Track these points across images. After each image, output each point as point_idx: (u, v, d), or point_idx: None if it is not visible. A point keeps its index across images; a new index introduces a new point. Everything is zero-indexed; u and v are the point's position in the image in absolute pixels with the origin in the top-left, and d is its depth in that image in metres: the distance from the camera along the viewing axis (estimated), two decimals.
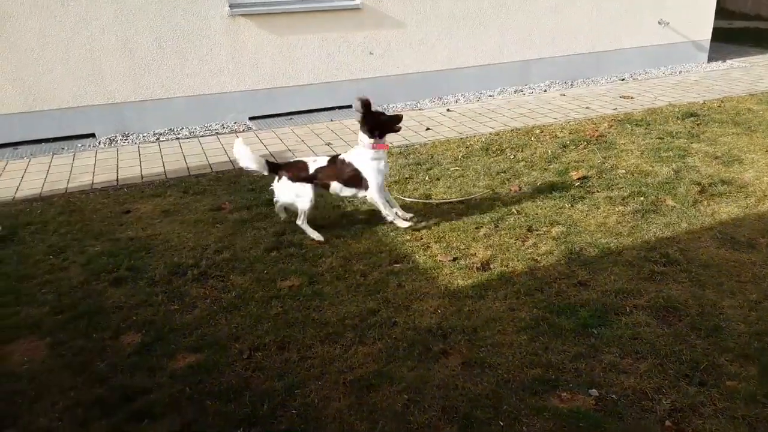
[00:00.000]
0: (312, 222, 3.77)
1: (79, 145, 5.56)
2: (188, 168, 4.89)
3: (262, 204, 4.09)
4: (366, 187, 3.61)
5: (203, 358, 2.55)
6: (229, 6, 5.80)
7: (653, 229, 3.55)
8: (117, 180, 4.67)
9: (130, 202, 4.21)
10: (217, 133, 5.88)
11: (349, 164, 3.59)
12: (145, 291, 3.07)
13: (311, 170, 3.60)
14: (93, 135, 5.73)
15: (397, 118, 3.62)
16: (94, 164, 5.04)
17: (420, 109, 6.57)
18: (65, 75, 5.46)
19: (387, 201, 3.74)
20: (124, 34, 5.53)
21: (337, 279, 3.15)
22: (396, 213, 3.76)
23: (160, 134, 5.83)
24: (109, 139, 5.69)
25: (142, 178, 4.70)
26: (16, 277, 3.25)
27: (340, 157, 3.65)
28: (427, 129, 5.79)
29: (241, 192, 4.34)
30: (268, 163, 3.61)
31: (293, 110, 6.43)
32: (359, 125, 3.56)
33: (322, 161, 3.63)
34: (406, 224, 3.71)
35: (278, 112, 6.37)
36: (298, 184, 3.59)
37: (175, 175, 4.72)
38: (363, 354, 2.55)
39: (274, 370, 2.47)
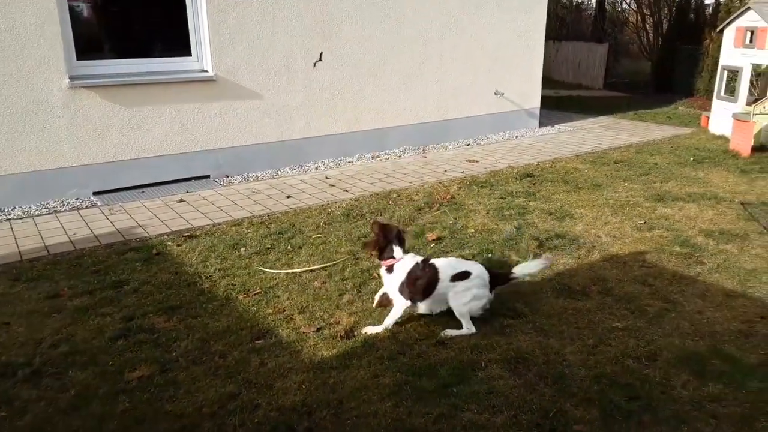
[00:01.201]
0: (164, 303, 3.57)
1: None
2: (20, 252, 4.42)
3: (108, 287, 3.79)
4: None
5: None
6: (69, 78, 5.49)
7: None
8: None
9: None
10: (55, 211, 5.42)
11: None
12: None
13: None
14: None
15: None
16: None
17: (279, 177, 6.59)
18: None
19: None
20: None
21: (194, 363, 2.97)
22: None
23: None
24: None
25: None
26: None
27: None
28: (288, 197, 5.80)
29: (83, 275, 3.99)
30: None
31: (145, 183, 6.14)
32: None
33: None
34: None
35: (127, 185, 6.04)
36: None
37: (4, 261, 4.25)
38: None
39: None
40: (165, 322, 3.37)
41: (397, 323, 3.29)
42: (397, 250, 3.32)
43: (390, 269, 3.31)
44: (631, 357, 2.97)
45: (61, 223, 5.05)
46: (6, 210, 5.37)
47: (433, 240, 4.54)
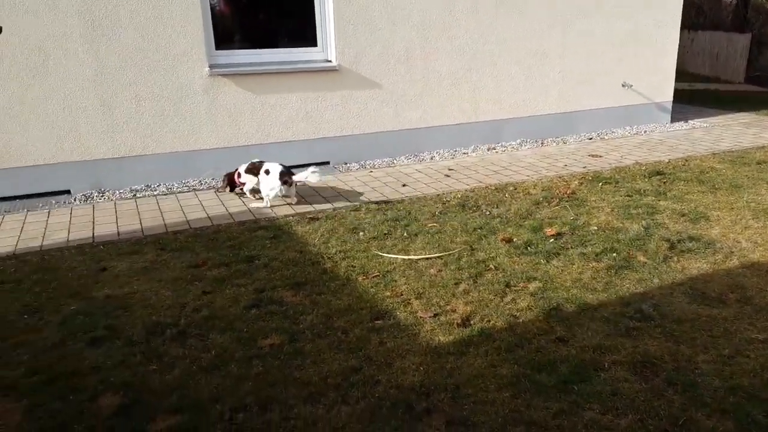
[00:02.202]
0: (291, 279, 3.80)
1: (54, 201, 5.51)
2: (165, 225, 4.88)
3: (241, 260, 4.09)
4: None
5: (184, 420, 2.49)
6: (209, 66, 5.94)
7: (627, 285, 3.65)
8: (93, 237, 4.63)
9: (107, 260, 4.17)
10: (194, 189, 5.91)
11: None
12: (123, 351, 3.01)
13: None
14: (68, 191, 5.69)
15: None
16: (70, 221, 4.99)
17: (395, 166, 6.72)
18: (41, 132, 5.47)
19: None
20: (104, 93, 5.60)
21: (319, 336, 3.14)
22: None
23: (137, 190, 5.83)
24: (85, 195, 5.66)
25: (118, 235, 4.67)
26: None
27: None
28: (404, 185, 5.91)
29: (219, 249, 4.33)
30: None
31: None
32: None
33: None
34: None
35: None
36: None
37: (152, 232, 4.71)
38: (346, 414, 2.53)
39: (255, 431, 2.44)
40: (292, 296, 3.59)
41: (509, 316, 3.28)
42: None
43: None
44: None
45: (199, 200, 5.50)
46: (152, 186, 5.93)
47: (552, 235, 4.43)
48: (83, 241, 4.55)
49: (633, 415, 2.48)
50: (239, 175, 5.55)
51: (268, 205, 5.32)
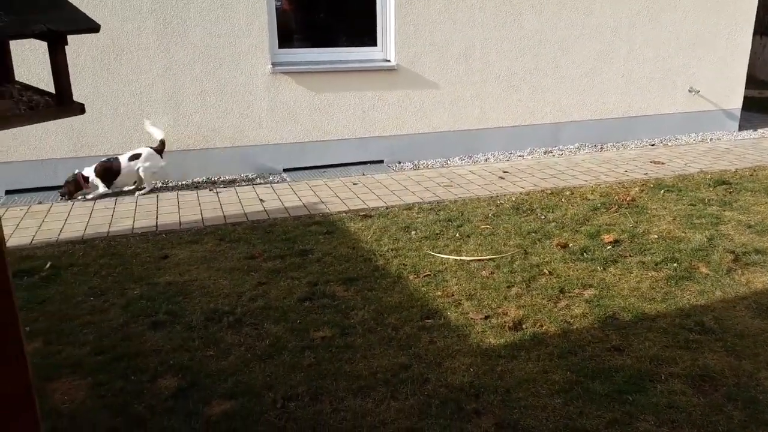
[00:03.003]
0: (344, 274, 3.85)
1: (121, 190, 5.77)
2: (224, 216, 5.03)
3: (295, 254, 4.18)
4: None
5: (238, 406, 2.58)
6: (272, 64, 6.09)
7: (687, 296, 3.53)
8: (156, 226, 4.82)
9: (169, 248, 4.34)
10: (252, 182, 6.07)
11: None
12: (182, 336, 3.14)
13: None
14: (135, 182, 5.95)
15: None
16: (135, 209, 5.22)
17: (448, 166, 6.70)
18: (113, 124, 5.74)
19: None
20: (171, 88, 5.83)
21: (369, 332, 3.18)
22: None
23: (199, 183, 6.03)
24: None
25: (180, 224, 4.85)
26: (59, 316, 3.35)
27: None
28: (457, 186, 5.89)
29: (275, 241, 4.44)
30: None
31: (326, 163, 6.62)
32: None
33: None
34: None
35: (311, 165, 6.56)
36: None
37: (212, 223, 4.87)
38: (395, 409, 2.56)
39: (306, 421, 2.49)
40: (344, 291, 3.64)
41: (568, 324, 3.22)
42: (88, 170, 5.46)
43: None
44: None
45: (257, 194, 5.65)
46: (212, 179, 6.13)
47: (610, 242, 4.33)
48: (147, 229, 4.75)
49: (689, 429, 2.41)
50: (86, 179, 5.44)
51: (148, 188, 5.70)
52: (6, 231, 4.62)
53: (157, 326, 3.23)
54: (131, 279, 3.82)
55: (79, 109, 1.05)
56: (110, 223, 4.87)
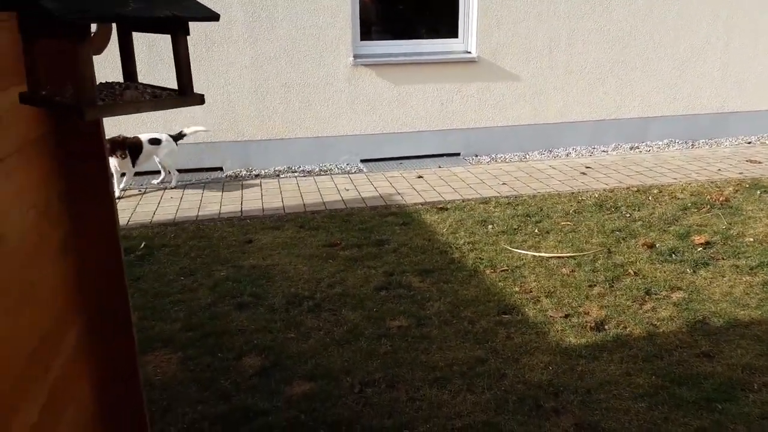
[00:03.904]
0: (419, 265, 3.88)
1: (209, 177, 6.06)
2: (304, 204, 5.17)
3: (372, 244, 4.24)
4: None
5: (317, 388, 2.66)
6: (353, 56, 6.17)
7: None
8: (241, 211, 5.03)
9: (252, 233, 4.52)
10: (330, 172, 6.20)
11: None
12: (265, 317, 3.27)
13: None
14: (221, 168, 6.22)
15: None
16: (222, 195, 5.46)
17: (527, 161, 6.57)
18: (203, 113, 6.01)
19: None
20: (258, 79, 6.03)
21: (445, 324, 3.19)
22: None
23: (280, 171, 6.23)
24: (234, 173, 6.15)
25: (263, 211, 5.04)
26: (152, 293, 3.58)
27: None
28: (536, 181, 5.76)
29: (352, 231, 4.52)
30: None
31: (403, 155, 6.65)
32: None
33: None
34: None
35: (389, 156, 6.61)
36: None
37: (292, 211, 5.02)
38: (471, 402, 2.55)
39: (383, 407, 2.54)
40: (420, 282, 3.66)
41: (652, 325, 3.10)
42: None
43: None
44: None
45: (335, 184, 5.77)
46: (293, 168, 6.31)
47: (701, 244, 4.11)
48: (232, 214, 4.96)
49: None
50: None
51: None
52: None
53: (242, 307, 3.38)
54: (218, 261, 4.01)
55: (199, 99, 1.12)
56: (199, 208, 5.12)
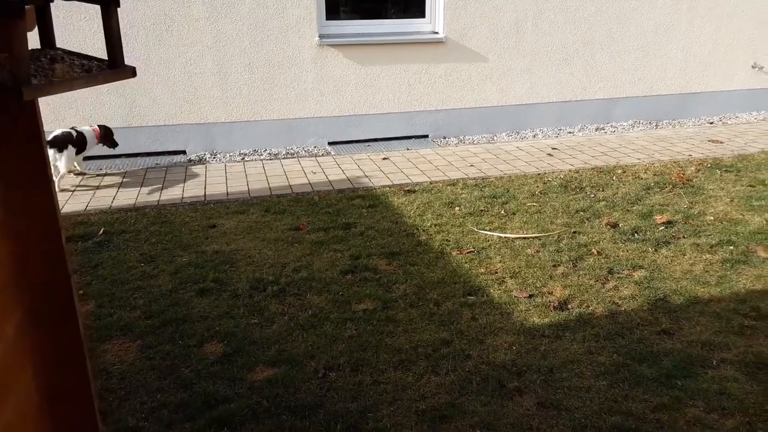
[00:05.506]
0: (386, 248, 3.85)
1: (171, 160, 5.91)
2: (270, 188, 5.09)
3: (338, 227, 4.20)
4: None
5: (280, 373, 2.63)
6: (319, 36, 6.05)
7: (743, 281, 3.38)
8: (204, 196, 4.92)
9: (216, 217, 4.42)
10: (297, 155, 6.10)
11: None
12: (228, 303, 3.21)
13: None
14: (184, 152, 6.07)
15: None
16: (184, 180, 5.33)
17: (495, 142, 6.58)
18: (164, 94, 5.84)
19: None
20: (220, 60, 5.88)
21: (411, 306, 3.18)
22: None
23: (245, 154, 6.11)
24: (198, 156, 6.01)
25: (227, 195, 4.93)
26: (110, 280, 3.47)
27: None
28: (503, 162, 5.78)
29: (318, 214, 4.47)
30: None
31: (370, 137, 6.59)
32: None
33: None
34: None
35: (356, 139, 6.54)
36: None
37: (258, 194, 4.93)
38: (435, 384, 2.55)
39: (347, 391, 2.51)
40: (386, 265, 3.64)
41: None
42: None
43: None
44: None
45: (302, 167, 5.68)
46: (259, 151, 6.19)
47: (663, 223, 4.17)
48: (195, 198, 4.84)
49: (741, 417, 2.32)
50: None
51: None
52: (62, 197, 4.80)
53: (204, 293, 3.31)
54: (180, 246, 3.92)
55: (131, 71, 1.05)
56: (161, 192, 4.99)
